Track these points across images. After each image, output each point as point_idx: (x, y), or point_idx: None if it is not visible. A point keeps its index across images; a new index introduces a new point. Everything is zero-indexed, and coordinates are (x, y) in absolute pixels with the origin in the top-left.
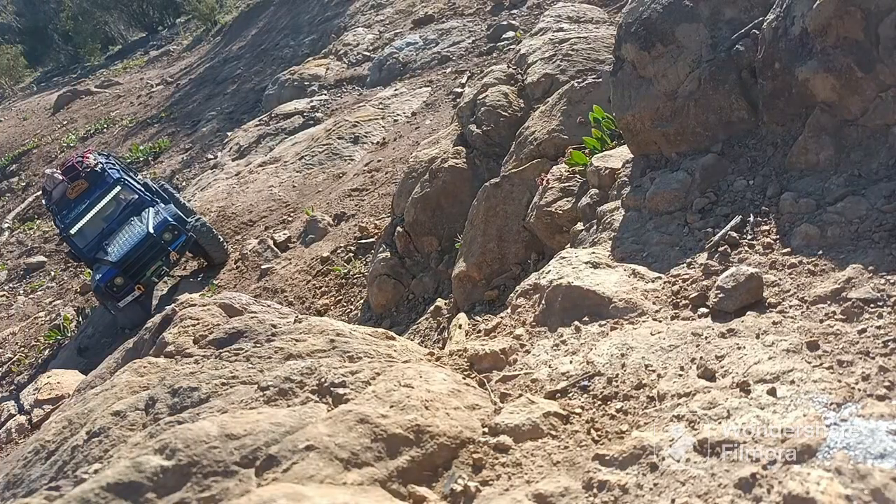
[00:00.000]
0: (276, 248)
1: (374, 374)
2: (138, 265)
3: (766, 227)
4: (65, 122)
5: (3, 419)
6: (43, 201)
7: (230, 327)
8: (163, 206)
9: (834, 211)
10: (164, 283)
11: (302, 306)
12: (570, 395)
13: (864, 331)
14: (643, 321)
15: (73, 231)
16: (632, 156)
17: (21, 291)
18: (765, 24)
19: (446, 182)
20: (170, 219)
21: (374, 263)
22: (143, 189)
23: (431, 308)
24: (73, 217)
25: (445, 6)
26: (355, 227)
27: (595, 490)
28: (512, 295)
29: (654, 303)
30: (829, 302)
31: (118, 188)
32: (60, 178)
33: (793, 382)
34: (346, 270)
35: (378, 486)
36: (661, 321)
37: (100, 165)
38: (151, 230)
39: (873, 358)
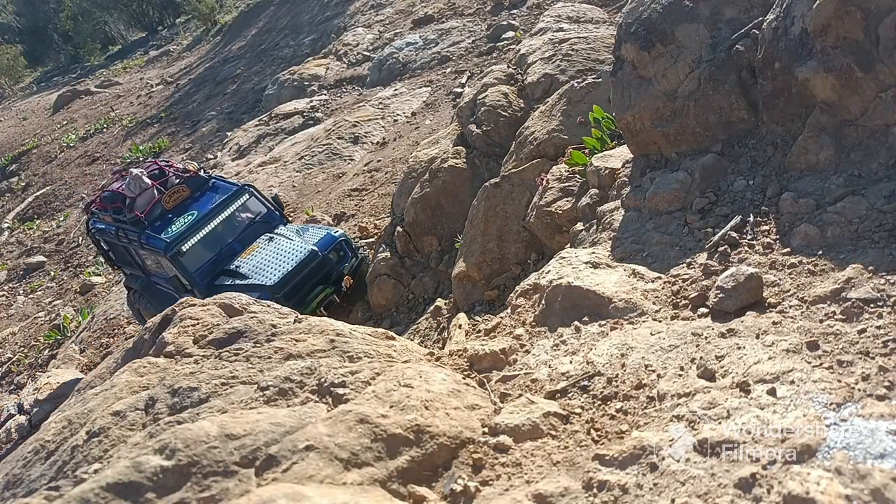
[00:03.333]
0: None
1: (374, 375)
2: (300, 292)
3: (766, 227)
4: (64, 122)
5: (2, 419)
6: (94, 217)
7: (230, 327)
8: (306, 225)
9: (834, 211)
10: None
11: None
12: (570, 395)
13: (863, 331)
14: (643, 321)
15: (185, 248)
16: (632, 156)
17: (21, 291)
18: (765, 24)
19: (446, 182)
20: (335, 235)
21: (374, 263)
22: (272, 203)
23: (431, 308)
24: (175, 232)
25: (445, 6)
26: (355, 226)
27: (595, 490)
28: (512, 295)
29: (654, 303)
30: (829, 302)
31: (246, 197)
32: (149, 182)
33: (793, 382)
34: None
35: (378, 486)
36: (661, 321)
37: (202, 170)
38: (315, 247)
39: (873, 358)
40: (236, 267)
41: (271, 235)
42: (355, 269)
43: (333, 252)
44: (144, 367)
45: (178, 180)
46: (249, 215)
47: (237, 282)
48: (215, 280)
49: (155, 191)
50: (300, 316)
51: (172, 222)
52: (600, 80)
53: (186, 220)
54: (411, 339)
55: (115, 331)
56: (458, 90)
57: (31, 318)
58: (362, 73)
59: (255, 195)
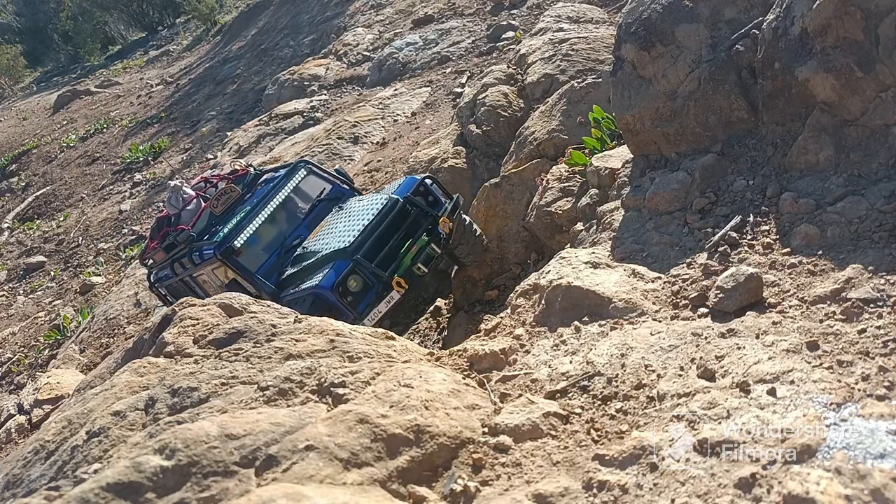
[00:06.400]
0: None
1: (374, 375)
2: (385, 249)
3: (766, 227)
4: (64, 122)
5: (2, 419)
6: (152, 266)
7: (230, 327)
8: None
9: (834, 211)
10: None
11: None
12: (570, 395)
13: (863, 331)
14: (643, 321)
15: (238, 244)
16: (632, 156)
17: (21, 291)
18: (765, 24)
19: (446, 182)
20: (417, 177)
21: None
22: (336, 176)
23: (431, 308)
24: (227, 233)
25: (445, 6)
26: None
27: (595, 490)
28: (512, 295)
29: (653, 303)
30: (828, 302)
31: (303, 173)
32: (191, 192)
33: (793, 382)
34: None
35: (378, 486)
36: (660, 321)
37: (251, 168)
38: (394, 195)
39: (873, 358)
40: (304, 249)
41: (342, 206)
42: (453, 211)
43: (419, 196)
44: (144, 367)
45: (225, 183)
46: (312, 196)
47: (308, 262)
48: (282, 275)
49: (200, 200)
50: (300, 316)
51: (224, 226)
52: (600, 80)
53: (238, 218)
54: (411, 339)
55: (115, 331)
56: (458, 90)
57: (31, 318)
58: (362, 73)
59: (315, 170)
